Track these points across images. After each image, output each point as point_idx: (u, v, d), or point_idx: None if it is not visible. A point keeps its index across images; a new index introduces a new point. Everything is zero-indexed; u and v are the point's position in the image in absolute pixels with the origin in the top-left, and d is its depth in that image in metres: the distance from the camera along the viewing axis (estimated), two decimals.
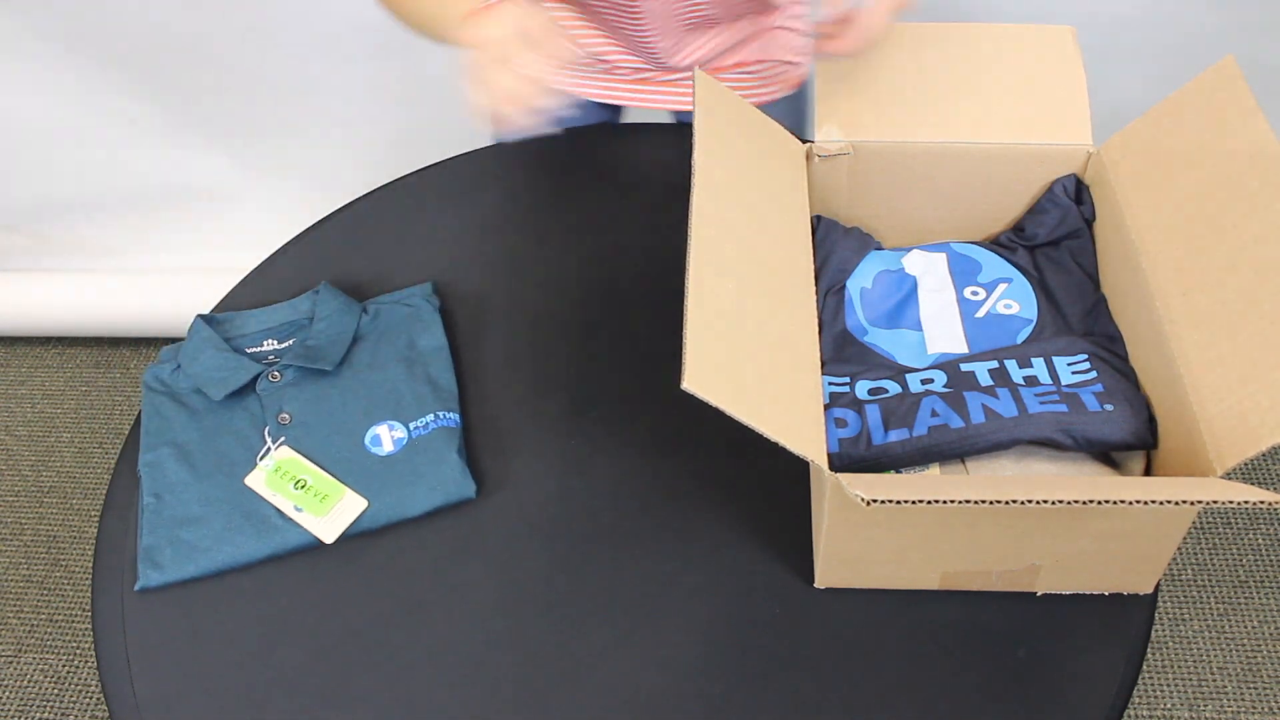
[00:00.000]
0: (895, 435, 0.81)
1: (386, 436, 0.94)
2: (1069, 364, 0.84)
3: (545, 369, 1.01)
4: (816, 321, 0.82)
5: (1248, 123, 0.79)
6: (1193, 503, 0.64)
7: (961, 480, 0.75)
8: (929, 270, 0.96)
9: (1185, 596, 1.53)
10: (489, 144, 1.24)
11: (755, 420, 0.67)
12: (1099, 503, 0.64)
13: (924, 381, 0.85)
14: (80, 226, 1.86)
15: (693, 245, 0.74)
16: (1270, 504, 0.62)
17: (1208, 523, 1.59)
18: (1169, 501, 0.64)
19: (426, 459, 0.92)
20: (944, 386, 0.84)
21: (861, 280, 0.95)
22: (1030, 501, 0.64)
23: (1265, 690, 1.44)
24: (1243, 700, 1.43)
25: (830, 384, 0.87)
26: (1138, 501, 0.64)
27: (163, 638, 0.86)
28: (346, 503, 0.90)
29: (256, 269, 1.13)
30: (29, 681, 1.58)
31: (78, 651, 1.61)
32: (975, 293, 0.93)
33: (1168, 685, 1.45)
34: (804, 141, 0.95)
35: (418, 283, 1.07)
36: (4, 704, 1.56)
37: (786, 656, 0.81)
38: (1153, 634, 1.43)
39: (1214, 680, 1.45)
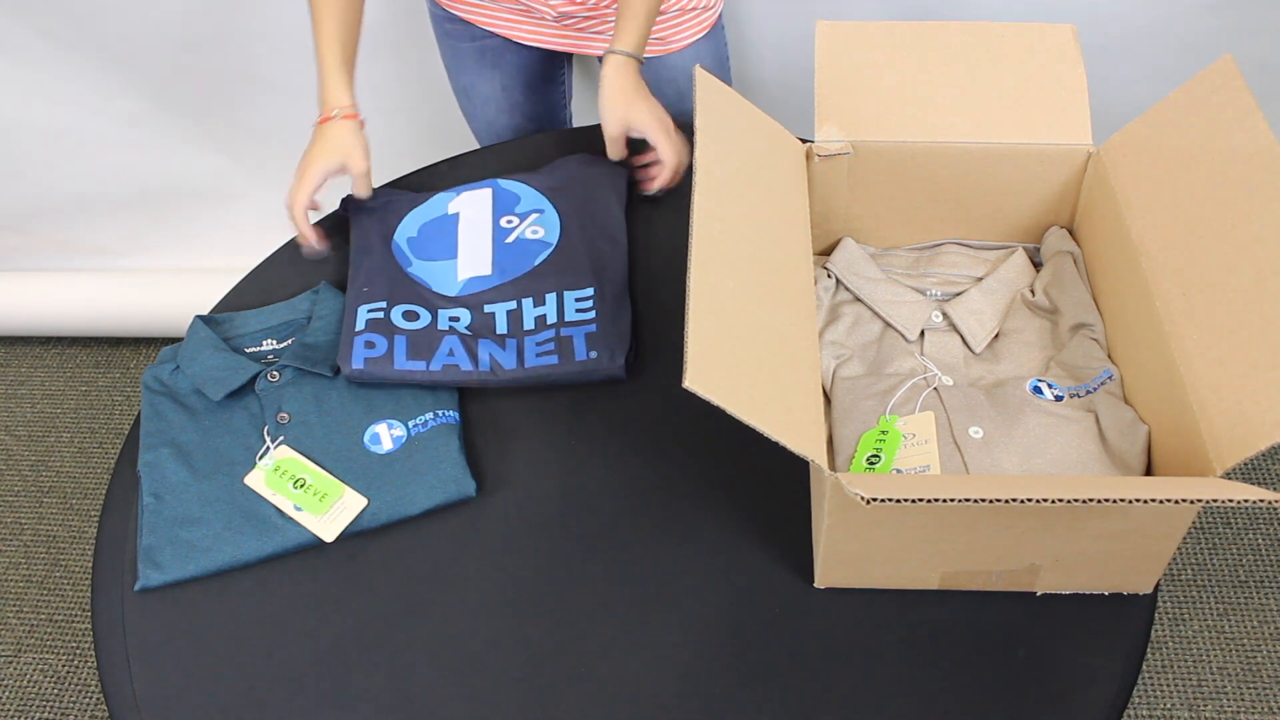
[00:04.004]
0: (414, 364, 0.95)
1: (385, 435, 0.94)
2: (577, 298, 1.01)
3: None
4: (816, 321, 0.82)
5: (1247, 122, 0.79)
6: (1193, 502, 0.64)
7: (961, 480, 0.75)
8: (471, 206, 1.11)
9: (1185, 596, 1.52)
10: (488, 144, 1.24)
11: (755, 419, 0.67)
12: (1099, 502, 0.64)
13: (451, 319, 1.00)
14: (80, 226, 1.86)
15: (693, 245, 0.74)
16: (1270, 503, 0.62)
17: (1208, 523, 1.59)
18: (1169, 501, 0.64)
19: (426, 457, 0.92)
20: (466, 328, 1.00)
21: (407, 232, 1.09)
22: (1030, 501, 0.64)
23: (1265, 690, 1.43)
24: (1243, 700, 1.43)
25: (369, 311, 1.00)
26: (1138, 501, 0.64)
27: (163, 638, 0.86)
28: (346, 501, 0.90)
29: (256, 269, 1.13)
30: (29, 681, 1.58)
31: (78, 651, 1.61)
32: (510, 221, 1.09)
33: (1168, 685, 1.45)
34: (803, 141, 0.95)
35: None
36: (4, 704, 1.56)
37: (786, 656, 0.81)
38: (1153, 634, 1.43)
39: (1214, 680, 1.45)
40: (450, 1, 1.22)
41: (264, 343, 1.03)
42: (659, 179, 1.10)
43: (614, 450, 0.94)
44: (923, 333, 0.94)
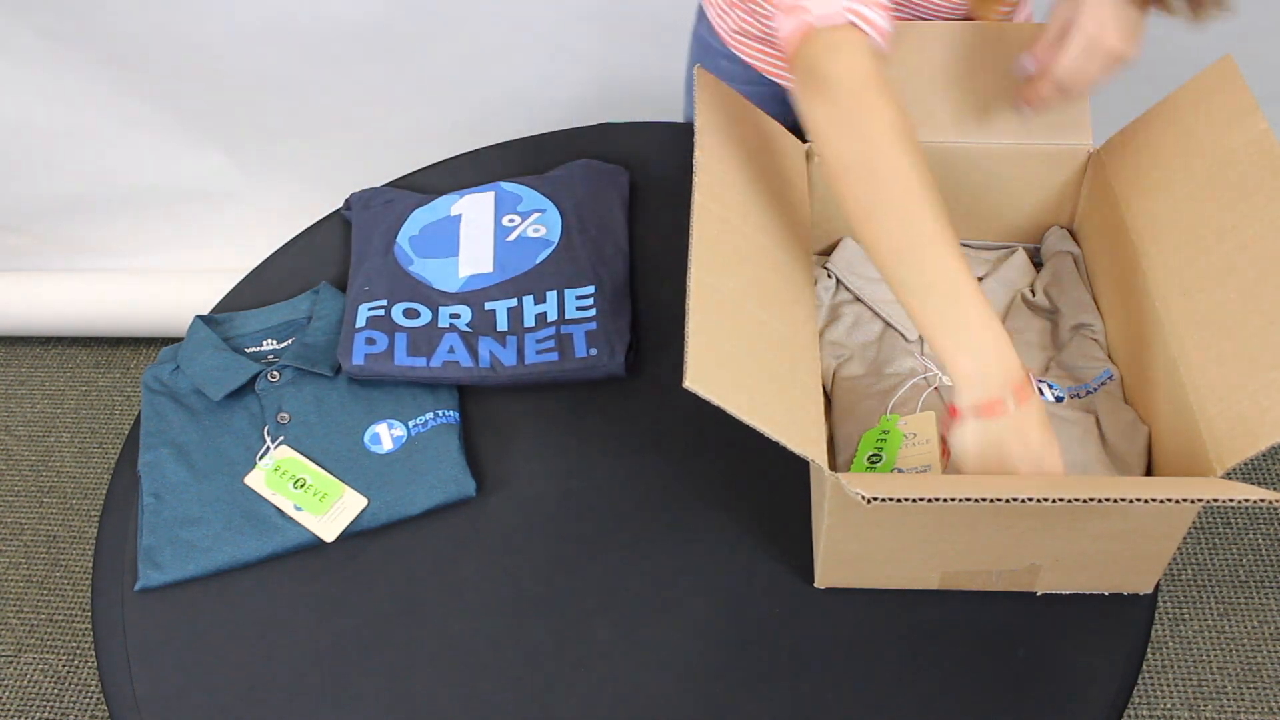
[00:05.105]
0: (415, 361, 0.96)
1: (386, 435, 0.94)
2: (577, 296, 1.02)
3: None
4: (816, 321, 0.82)
5: (1247, 122, 0.79)
6: (1193, 502, 0.64)
7: (962, 479, 0.75)
8: (474, 208, 1.11)
9: (1185, 596, 1.52)
10: (489, 144, 1.24)
11: (756, 419, 0.67)
12: (1099, 502, 0.64)
13: (452, 316, 1.01)
14: (80, 226, 1.86)
15: (694, 244, 0.74)
16: (1270, 503, 0.62)
17: (1208, 523, 1.59)
18: (1169, 501, 0.64)
19: (426, 457, 0.92)
20: (467, 325, 1.00)
21: (410, 232, 1.09)
22: (1030, 501, 0.64)
23: (1265, 690, 1.43)
24: (1243, 700, 1.43)
25: (369, 309, 1.00)
26: (1138, 501, 0.64)
27: (163, 638, 0.86)
28: (346, 501, 0.90)
29: (256, 269, 1.13)
30: (29, 681, 1.58)
31: (78, 651, 1.61)
32: (511, 220, 1.10)
33: (1168, 685, 1.45)
34: (804, 141, 0.95)
35: None
36: (4, 704, 1.56)
37: (786, 656, 0.81)
38: (1153, 634, 1.43)
39: (1214, 680, 1.45)
40: (737, 44, 1.14)
41: (264, 343, 1.03)
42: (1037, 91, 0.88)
43: (614, 451, 0.94)
44: None
